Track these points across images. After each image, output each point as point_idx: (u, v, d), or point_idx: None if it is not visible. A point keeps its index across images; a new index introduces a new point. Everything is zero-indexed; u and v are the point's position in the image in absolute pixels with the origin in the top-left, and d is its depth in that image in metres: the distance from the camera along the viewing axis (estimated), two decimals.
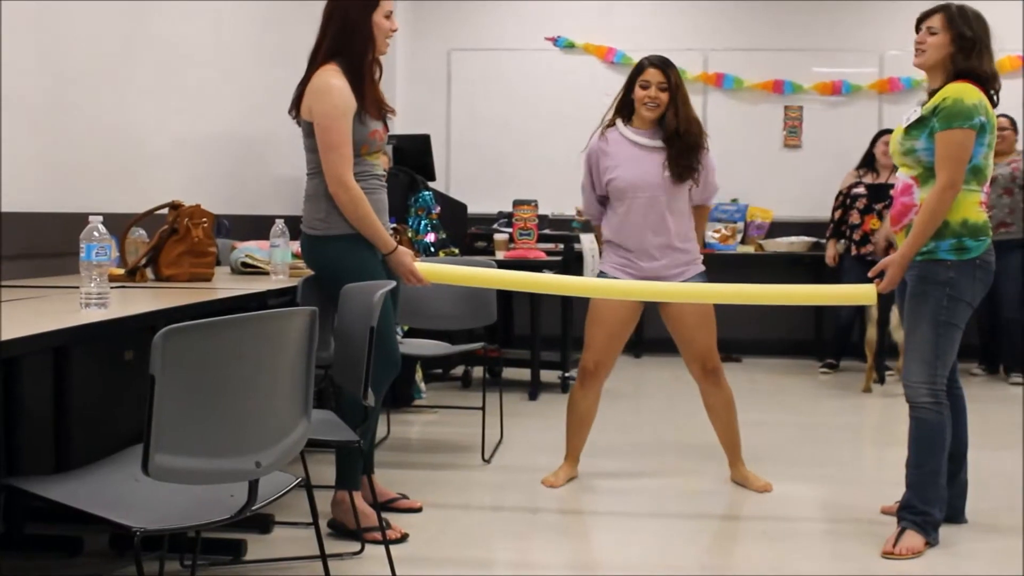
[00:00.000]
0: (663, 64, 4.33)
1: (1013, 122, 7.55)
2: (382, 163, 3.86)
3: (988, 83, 3.65)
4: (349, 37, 3.68)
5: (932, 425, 3.66)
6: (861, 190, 7.47)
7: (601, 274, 4.46)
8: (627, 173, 4.32)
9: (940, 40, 3.67)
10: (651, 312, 4.49)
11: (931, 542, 3.66)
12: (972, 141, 3.57)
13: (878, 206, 7.38)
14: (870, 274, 3.79)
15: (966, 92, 3.58)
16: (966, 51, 3.64)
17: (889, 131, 7.41)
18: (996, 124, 3.68)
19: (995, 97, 3.69)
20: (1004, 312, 7.57)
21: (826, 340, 8.15)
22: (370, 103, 3.71)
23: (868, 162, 7.68)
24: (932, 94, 3.69)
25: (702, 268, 4.41)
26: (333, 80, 3.63)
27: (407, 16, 8.83)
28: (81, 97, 4.34)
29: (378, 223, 3.69)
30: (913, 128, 3.65)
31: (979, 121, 3.56)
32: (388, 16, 3.74)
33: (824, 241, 7.83)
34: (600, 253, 4.58)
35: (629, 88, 4.38)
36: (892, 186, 7.24)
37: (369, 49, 3.71)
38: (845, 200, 7.55)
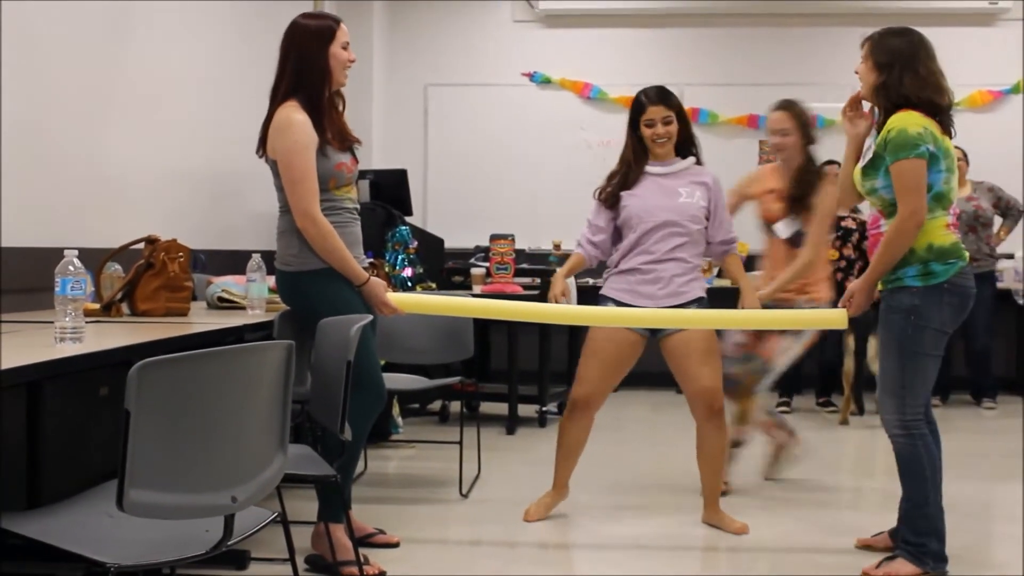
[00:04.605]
0: (661, 97, 4.33)
1: (964, 154, 7.62)
2: (353, 196, 3.85)
3: (926, 107, 3.57)
4: (307, 72, 3.68)
5: (907, 458, 3.64)
6: None
7: (603, 299, 4.35)
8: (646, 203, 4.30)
9: (864, 68, 3.66)
10: None
11: (930, 571, 3.60)
12: (923, 169, 3.51)
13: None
14: (841, 301, 3.79)
15: (908, 121, 3.53)
16: (889, 77, 3.59)
17: (832, 162, 7.46)
18: (949, 148, 3.60)
19: (946, 118, 3.62)
20: (974, 343, 7.63)
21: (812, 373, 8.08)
22: (332, 136, 3.71)
23: None
24: (879, 127, 3.64)
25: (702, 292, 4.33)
26: (294, 115, 3.63)
27: (383, 51, 8.88)
28: (56, 131, 4.33)
29: (348, 255, 3.68)
30: (868, 168, 3.62)
31: (926, 149, 3.51)
32: (345, 47, 3.74)
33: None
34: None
35: (635, 127, 4.35)
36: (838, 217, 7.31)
37: (327, 83, 3.72)
38: None
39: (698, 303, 4.27)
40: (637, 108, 4.34)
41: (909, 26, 3.70)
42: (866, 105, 3.78)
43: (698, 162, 4.43)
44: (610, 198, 4.36)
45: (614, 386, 4.38)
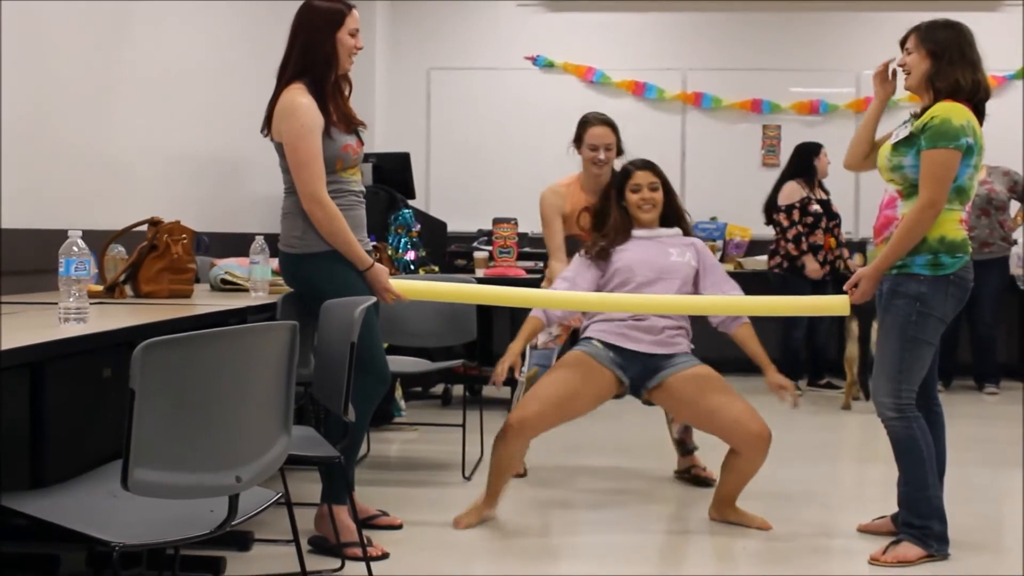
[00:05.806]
0: (648, 164, 4.39)
1: None
2: (359, 179, 3.85)
3: (970, 96, 3.61)
4: (314, 55, 3.67)
5: (903, 440, 3.66)
6: (818, 208, 7.40)
7: (587, 340, 4.28)
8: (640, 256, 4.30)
9: (915, 59, 3.69)
10: None
11: (934, 553, 3.64)
12: (957, 162, 3.55)
13: (831, 224, 7.39)
14: (845, 286, 3.80)
15: (954, 112, 3.56)
16: (940, 66, 3.63)
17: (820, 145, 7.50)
18: (983, 146, 3.64)
19: (982, 109, 3.67)
20: (980, 328, 7.63)
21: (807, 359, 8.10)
22: (338, 119, 3.71)
23: (808, 174, 7.49)
24: (921, 112, 3.66)
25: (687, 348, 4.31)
26: (299, 98, 3.63)
27: (386, 35, 8.86)
28: (60, 114, 4.33)
29: (353, 239, 3.68)
30: (902, 145, 3.64)
31: (965, 142, 3.54)
32: (353, 34, 3.73)
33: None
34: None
35: (620, 195, 4.38)
36: (828, 202, 7.35)
37: (332, 67, 3.71)
38: (803, 216, 7.41)
39: (685, 356, 4.25)
40: (623, 176, 4.39)
41: (951, 19, 3.77)
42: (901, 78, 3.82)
43: (686, 233, 4.43)
44: (602, 252, 4.32)
45: (556, 423, 4.15)
